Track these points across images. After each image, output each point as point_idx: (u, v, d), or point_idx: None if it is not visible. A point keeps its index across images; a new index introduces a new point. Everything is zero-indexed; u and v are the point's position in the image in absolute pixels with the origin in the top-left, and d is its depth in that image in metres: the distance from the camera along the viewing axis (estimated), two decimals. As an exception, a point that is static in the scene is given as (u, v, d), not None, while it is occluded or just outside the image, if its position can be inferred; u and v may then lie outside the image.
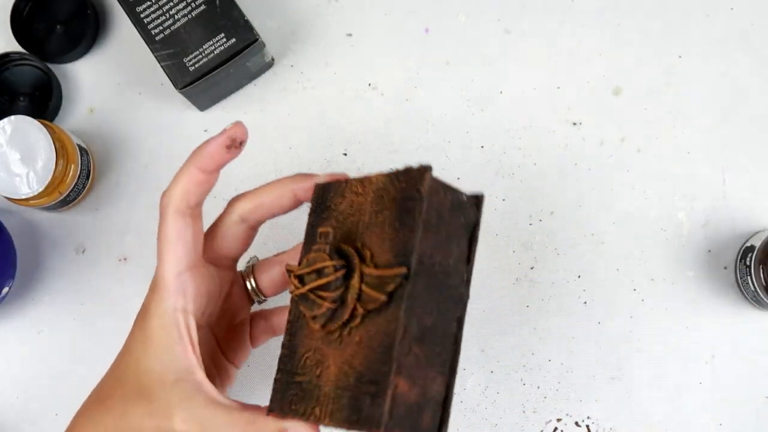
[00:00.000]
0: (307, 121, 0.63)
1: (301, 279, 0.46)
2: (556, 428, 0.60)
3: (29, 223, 0.63)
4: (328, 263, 0.44)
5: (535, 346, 0.60)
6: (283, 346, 0.47)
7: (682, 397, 0.60)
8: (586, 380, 0.60)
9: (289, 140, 0.63)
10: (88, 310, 0.62)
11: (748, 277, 0.57)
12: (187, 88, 0.58)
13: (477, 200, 0.46)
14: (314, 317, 0.45)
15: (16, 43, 0.63)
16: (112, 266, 0.62)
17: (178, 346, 0.47)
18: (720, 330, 0.60)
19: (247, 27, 0.57)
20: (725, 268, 0.61)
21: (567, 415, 0.60)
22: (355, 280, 0.43)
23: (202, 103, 0.62)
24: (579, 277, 0.61)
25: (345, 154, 0.62)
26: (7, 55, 0.62)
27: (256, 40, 0.58)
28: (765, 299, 0.56)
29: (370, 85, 0.63)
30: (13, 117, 0.57)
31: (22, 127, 0.57)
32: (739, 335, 0.60)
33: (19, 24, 0.63)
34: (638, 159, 0.62)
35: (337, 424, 0.43)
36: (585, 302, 0.61)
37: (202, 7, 0.58)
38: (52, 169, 0.56)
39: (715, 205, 0.61)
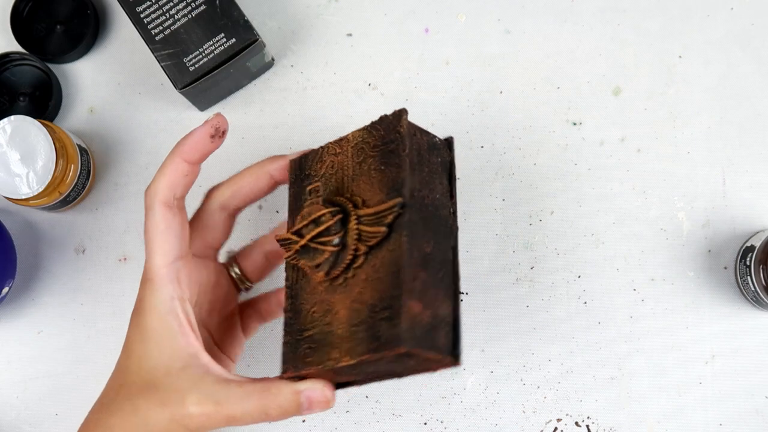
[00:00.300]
0: (307, 121, 0.63)
1: (298, 233, 0.47)
2: (556, 428, 0.60)
3: (29, 223, 0.63)
4: (324, 211, 0.46)
5: (535, 346, 0.60)
6: (286, 311, 0.48)
7: (682, 397, 0.60)
8: (586, 380, 0.60)
9: (289, 140, 0.63)
10: (88, 310, 0.62)
11: (748, 277, 0.57)
12: (187, 88, 0.58)
13: (448, 143, 0.48)
14: (318, 266, 0.46)
15: (16, 43, 0.63)
16: (112, 266, 0.62)
17: (180, 335, 0.47)
18: (720, 330, 0.60)
19: (247, 27, 0.57)
20: (725, 268, 0.61)
21: (567, 415, 0.60)
22: (352, 224, 0.45)
23: (202, 103, 0.62)
24: (579, 277, 0.61)
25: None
26: (7, 55, 0.62)
27: (256, 40, 0.58)
28: (765, 299, 0.56)
29: (370, 85, 0.63)
30: (12, 117, 0.57)
31: (22, 127, 0.57)
32: (739, 335, 0.60)
33: (19, 24, 0.63)
34: (638, 159, 0.62)
35: (358, 358, 0.44)
36: (585, 302, 0.61)
37: (202, 7, 0.58)
38: (52, 169, 0.56)
39: (715, 205, 0.61)
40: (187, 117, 0.63)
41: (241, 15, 0.58)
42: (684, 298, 0.60)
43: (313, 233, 0.46)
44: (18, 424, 0.61)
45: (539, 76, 0.62)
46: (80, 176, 0.60)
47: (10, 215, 0.63)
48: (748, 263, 0.57)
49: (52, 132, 0.57)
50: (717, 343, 0.60)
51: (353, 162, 0.47)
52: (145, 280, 0.48)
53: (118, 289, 0.62)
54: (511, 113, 0.62)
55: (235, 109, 0.63)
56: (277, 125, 0.63)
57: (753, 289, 0.57)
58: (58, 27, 0.64)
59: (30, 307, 0.62)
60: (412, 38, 0.63)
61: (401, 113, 0.46)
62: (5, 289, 0.59)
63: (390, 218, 0.44)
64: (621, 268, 0.61)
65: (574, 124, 0.62)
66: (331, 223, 0.46)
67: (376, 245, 0.45)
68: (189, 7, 0.58)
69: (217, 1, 0.58)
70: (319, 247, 0.46)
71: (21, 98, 0.63)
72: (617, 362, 0.60)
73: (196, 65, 0.57)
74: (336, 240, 0.46)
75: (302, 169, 0.50)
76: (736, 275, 0.60)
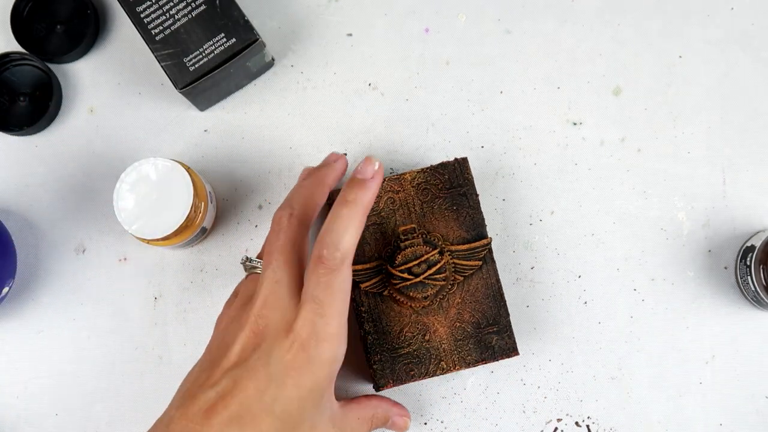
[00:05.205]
0: (307, 121, 0.63)
1: (409, 271, 0.55)
2: (556, 428, 0.60)
3: (29, 223, 0.63)
4: (433, 252, 0.55)
5: (535, 346, 0.60)
6: (368, 334, 0.56)
7: (682, 397, 0.60)
8: (586, 380, 0.60)
9: (289, 140, 0.63)
10: (88, 310, 0.62)
11: (748, 277, 0.57)
12: (187, 88, 0.58)
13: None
14: (425, 297, 0.55)
15: (16, 43, 0.63)
16: (112, 266, 0.62)
17: (329, 392, 0.51)
18: (720, 330, 0.60)
19: (247, 27, 0.57)
20: (725, 268, 0.61)
21: (567, 415, 0.60)
22: (446, 257, 0.55)
23: (202, 103, 0.62)
24: (579, 277, 0.61)
25: (345, 154, 0.62)
26: (7, 55, 0.62)
27: (256, 40, 0.57)
28: (765, 299, 0.56)
29: (370, 85, 0.63)
30: (160, 161, 0.56)
31: (165, 169, 0.56)
32: (739, 335, 0.60)
33: (19, 24, 0.63)
34: (638, 159, 0.62)
35: (471, 365, 0.56)
36: (585, 302, 0.61)
37: (202, 7, 0.58)
38: (187, 212, 0.56)
39: (715, 205, 0.61)
40: (187, 117, 0.63)
41: (241, 15, 0.58)
42: (684, 298, 0.61)
43: (431, 272, 0.55)
44: (18, 424, 0.61)
45: (539, 76, 0.63)
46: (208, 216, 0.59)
47: (10, 215, 0.63)
48: (748, 263, 0.57)
49: (191, 175, 0.56)
50: (717, 343, 0.60)
51: (419, 200, 0.57)
52: (323, 338, 0.49)
53: (118, 289, 0.62)
54: (511, 113, 0.62)
55: (235, 109, 0.63)
56: (277, 125, 0.63)
57: (753, 289, 0.57)
58: (58, 27, 0.64)
59: (30, 307, 0.62)
60: (412, 38, 0.63)
61: (465, 160, 0.57)
62: (5, 289, 0.59)
63: (483, 254, 0.56)
64: (621, 268, 0.61)
65: (574, 124, 0.62)
66: (443, 263, 0.55)
67: (469, 275, 0.56)
68: (189, 7, 0.58)
69: (217, 1, 0.58)
70: (431, 282, 0.55)
71: (21, 98, 0.63)
72: (617, 362, 0.60)
73: (196, 65, 0.57)
74: (446, 275, 0.55)
75: None
76: (736, 275, 0.60)
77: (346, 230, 0.49)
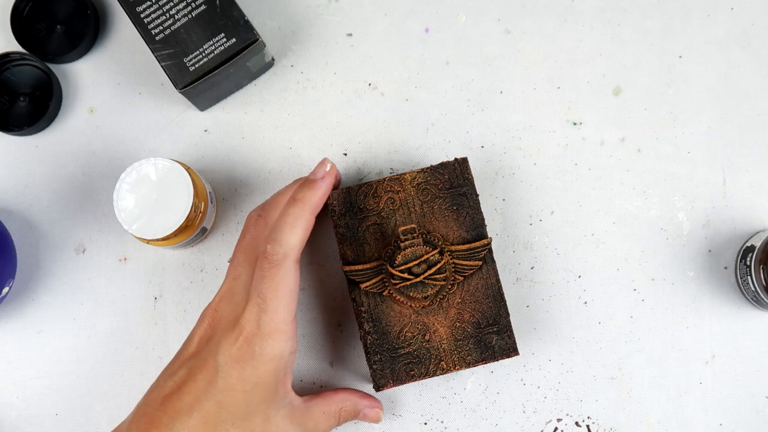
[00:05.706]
0: (307, 121, 0.63)
1: (409, 271, 0.55)
2: (556, 428, 0.60)
3: (29, 223, 0.63)
4: (433, 252, 0.55)
5: (535, 346, 0.60)
6: (368, 334, 0.56)
7: (682, 397, 0.60)
8: (586, 380, 0.60)
9: (289, 140, 0.63)
10: (88, 310, 0.62)
11: (748, 277, 0.57)
12: (187, 88, 0.58)
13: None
14: (425, 297, 0.55)
15: (16, 43, 0.63)
16: (112, 266, 0.62)
17: (281, 386, 0.52)
18: (720, 330, 0.60)
19: (247, 27, 0.57)
20: (725, 268, 0.61)
21: (567, 415, 0.60)
22: (446, 257, 0.55)
23: (202, 103, 0.62)
24: (579, 277, 0.61)
25: (345, 154, 0.62)
26: (7, 55, 0.62)
27: (256, 40, 0.58)
28: (765, 299, 0.56)
29: (370, 85, 0.63)
30: (160, 161, 0.56)
31: (165, 169, 0.56)
32: (739, 335, 0.60)
33: (19, 24, 0.63)
34: (638, 159, 0.62)
35: (471, 365, 0.56)
36: (585, 302, 0.61)
37: (202, 7, 0.58)
38: (187, 213, 0.56)
39: (715, 205, 0.61)
40: (187, 117, 0.63)
41: (241, 15, 0.58)
42: (684, 298, 0.61)
43: (431, 272, 0.55)
44: (18, 424, 0.61)
45: (539, 76, 0.63)
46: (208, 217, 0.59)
47: (11, 215, 0.63)
48: (748, 263, 0.57)
49: (191, 175, 0.56)
50: (717, 343, 0.60)
51: (419, 201, 0.56)
52: (267, 334, 0.50)
53: (118, 289, 0.62)
54: (511, 113, 0.62)
55: (235, 109, 0.63)
56: (277, 125, 0.63)
57: (753, 289, 0.57)
58: (58, 27, 0.64)
59: (30, 307, 0.62)
60: (412, 38, 0.63)
61: (465, 161, 0.57)
62: (5, 289, 0.59)
63: (483, 253, 0.56)
64: (621, 268, 0.61)
65: (574, 124, 0.62)
66: (443, 263, 0.55)
67: (469, 275, 0.56)
68: (189, 7, 0.58)
69: (217, 1, 0.58)
70: (431, 282, 0.55)
71: (21, 98, 0.63)
72: (617, 362, 0.60)
73: (196, 65, 0.57)
74: (446, 275, 0.55)
75: (353, 202, 0.56)
76: (736, 275, 0.60)
77: (292, 228, 0.51)
